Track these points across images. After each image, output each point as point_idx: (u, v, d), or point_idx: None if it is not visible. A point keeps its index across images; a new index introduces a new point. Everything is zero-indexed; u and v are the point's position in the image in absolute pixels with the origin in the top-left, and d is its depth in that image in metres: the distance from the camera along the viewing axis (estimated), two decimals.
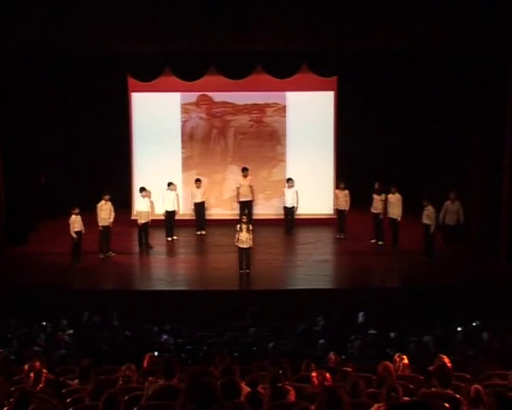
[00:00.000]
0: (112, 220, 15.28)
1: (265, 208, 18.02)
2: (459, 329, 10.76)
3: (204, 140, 18.04)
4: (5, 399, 6.51)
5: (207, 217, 17.51)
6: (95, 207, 15.20)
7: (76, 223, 14.75)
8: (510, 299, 12.64)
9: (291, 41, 14.02)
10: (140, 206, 15.96)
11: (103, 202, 15.18)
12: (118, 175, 18.12)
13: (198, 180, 17.16)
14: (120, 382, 7.19)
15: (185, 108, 17.92)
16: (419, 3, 13.63)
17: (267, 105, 17.88)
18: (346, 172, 17.53)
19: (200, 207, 17.21)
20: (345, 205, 16.58)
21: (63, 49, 14.15)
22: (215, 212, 17.85)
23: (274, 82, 16.55)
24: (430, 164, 17.85)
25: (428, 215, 14.65)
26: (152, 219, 16.06)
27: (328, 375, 7.03)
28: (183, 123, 17.97)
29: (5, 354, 8.93)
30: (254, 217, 17.14)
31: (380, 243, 16.08)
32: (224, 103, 17.87)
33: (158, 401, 6.33)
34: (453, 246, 15.04)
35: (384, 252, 15.67)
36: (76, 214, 14.77)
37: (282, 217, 17.40)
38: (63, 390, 7.17)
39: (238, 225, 14.12)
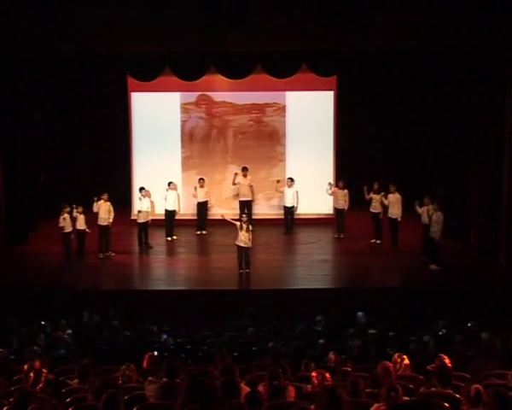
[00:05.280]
0: (111, 220, 15.28)
1: (265, 208, 18.04)
2: (459, 329, 10.76)
3: (204, 140, 18.06)
4: (5, 399, 6.51)
5: (210, 217, 17.52)
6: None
7: (78, 221, 14.78)
8: (510, 299, 12.64)
9: (291, 41, 14.04)
10: (139, 205, 15.96)
11: (101, 201, 15.18)
12: (118, 175, 18.15)
13: (201, 179, 17.15)
14: (120, 382, 7.20)
15: (185, 108, 17.93)
16: (419, 3, 13.63)
17: (267, 105, 17.89)
18: (346, 172, 17.53)
19: (202, 207, 17.22)
20: (343, 204, 16.59)
21: (63, 50, 14.16)
22: (215, 212, 17.85)
23: (274, 82, 16.57)
24: (430, 164, 17.85)
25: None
26: (152, 219, 16.06)
27: (327, 375, 7.04)
28: (183, 123, 17.98)
29: (5, 353, 8.93)
30: (254, 217, 17.15)
31: (378, 241, 16.09)
32: (224, 103, 17.88)
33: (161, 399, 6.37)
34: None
35: (384, 252, 15.67)
36: (80, 213, 14.79)
37: (282, 217, 17.41)
38: (63, 390, 7.17)
39: (238, 223, 14.12)
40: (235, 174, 17.28)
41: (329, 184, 16.93)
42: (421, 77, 17.40)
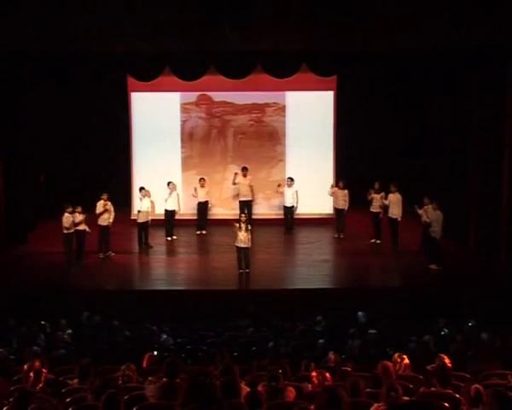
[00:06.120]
0: (111, 220, 15.29)
1: (265, 208, 18.03)
2: (459, 329, 10.76)
3: (204, 140, 18.05)
4: (5, 399, 6.51)
5: (209, 217, 17.52)
6: (94, 207, 15.20)
7: (78, 220, 14.77)
8: (510, 299, 12.64)
9: (291, 41, 14.01)
10: (139, 205, 15.95)
11: (102, 201, 15.18)
12: (118, 175, 18.14)
13: (202, 179, 17.15)
14: (120, 382, 7.19)
15: (185, 108, 17.93)
16: (419, 3, 13.62)
17: (267, 105, 17.89)
18: (346, 172, 17.52)
19: (202, 207, 17.22)
20: (343, 204, 16.59)
21: (63, 49, 14.14)
22: (215, 212, 17.86)
23: (274, 82, 16.55)
24: (430, 164, 17.84)
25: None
26: (152, 219, 16.07)
27: (328, 375, 7.04)
28: (183, 123, 17.97)
29: (5, 354, 8.93)
30: (254, 217, 17.15)
31: (378, 241, 16.09)
32: (224, 103, 17.88)
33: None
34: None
35: (384, 252, 15.67)
36: (79, 213, 14.79)
37: (282, 216, 17.40)
38: (63, 390, 7.17)
39: (237, 224, 14.12)
40: (235, 174, 17.28)
41: (332, 186, 16.95)
42: (421, 77, 17.39)
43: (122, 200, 17.13)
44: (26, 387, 6.90)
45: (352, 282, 14.18)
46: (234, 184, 17.36)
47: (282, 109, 17.88)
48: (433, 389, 6.80)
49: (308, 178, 17.49)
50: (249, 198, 17.30)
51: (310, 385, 7.14)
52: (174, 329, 11.43)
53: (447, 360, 7.13)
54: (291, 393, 6.67)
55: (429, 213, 14.27)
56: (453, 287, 13.40)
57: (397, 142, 18.75)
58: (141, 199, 15.96)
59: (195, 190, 17.14)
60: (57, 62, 16.01)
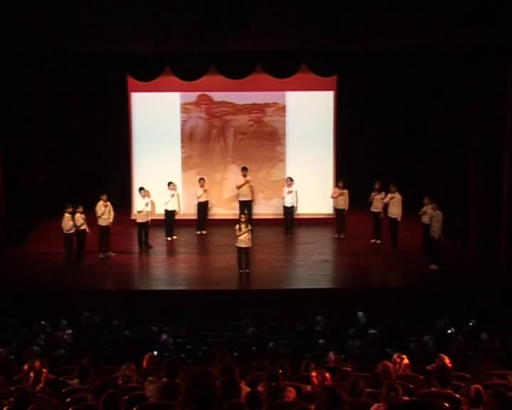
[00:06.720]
0: (111, 221, 15.29)
1: (265, 208, 18.03)
2: (459, 329, 10.76)
3: (204, 140, 18.05)
4: (5, 399, 6.51)
5: (209, 217, 17.52)
6: (94, 207, 15.21)
7: (79, 221, 14.77)
8: (510, 299, 12.64)
9: (291, 41, 14.02)
10: (139, 205, 15.96)
11: (101, 202, 15.18)
12: (118, 175, 18.15)
13: (201, 179, 17.15)
14: (120, 382, 7.19)
15: (185, 108, 17.93)
16: (419, 3, 13.64)
17: (267, 105, 17.89)
18: (346, 172, 17.52)
19: (202, 207, 17.22)
20: (343, 204, 16.59)
21: (63, 49, 14.15)
22: (215, 212, 17.86)
23: (274, 82, 16.56)
24: (430, 164, 17.85)
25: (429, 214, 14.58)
26: (152, 219, 16.06)
27: (327, 375, 7.04)
28: (183, 123, 17.97)
29: (5, 353, 8.93)
30: (254, 217, 17.15)
31: (378, 241, 16.09)
32: (224, 103, 17.87)
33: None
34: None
35: (384, 252, 15.66)
36: (80, 213, 14.78)
37: (282, 217, 17.40)
38: (63, 390, 7.17)
39: (237, 225, 14.12)
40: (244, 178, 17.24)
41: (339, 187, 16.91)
42: (421, 77, 17.40)
43: (122, 200, 17.13)
44: (26, 387, 6.89)
45: (352, 282, 14.18)
46: (238, 187, 17.29)
47: (282, 109, 17.88)
48: (433, 389, 6.79)
49: (308, 178, 17.49)
50: (249, 198, 17.30)
51: (309, 386, 7.13)
52: (174, 329, 11.42)
53: (447, 360, 7.13)
54: (291, 393, 6.67)
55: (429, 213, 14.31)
56: (453, 287, 13.40)
57: (397, 142, 18.74)
58: (140, 199, 15.94)
59: (195, 192, 17.12)
60: (57, 62, 16.02)
